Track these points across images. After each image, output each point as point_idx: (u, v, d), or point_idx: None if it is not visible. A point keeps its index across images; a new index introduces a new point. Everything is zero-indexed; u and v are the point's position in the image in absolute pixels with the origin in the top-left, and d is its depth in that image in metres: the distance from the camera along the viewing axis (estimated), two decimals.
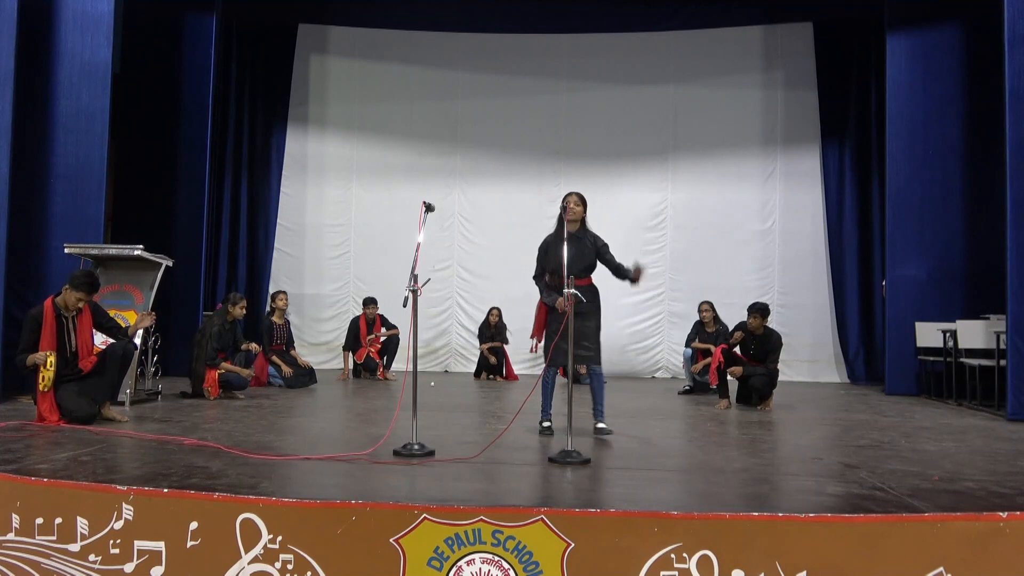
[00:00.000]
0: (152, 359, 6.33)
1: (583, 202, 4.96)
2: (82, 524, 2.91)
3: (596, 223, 10.35)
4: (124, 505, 2.90)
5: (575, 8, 10.08)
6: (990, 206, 7.53)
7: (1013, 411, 6.02)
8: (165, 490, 2.96)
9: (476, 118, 10.58)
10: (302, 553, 2.76)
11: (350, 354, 9.03)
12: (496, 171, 10.55)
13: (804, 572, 2.66)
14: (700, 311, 8.27)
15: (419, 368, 4.50)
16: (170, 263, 6.33)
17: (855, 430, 5.35)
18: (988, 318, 7.37)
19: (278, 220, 10.51)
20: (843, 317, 9.87)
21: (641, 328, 10.24)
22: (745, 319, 6.77)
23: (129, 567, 2.85)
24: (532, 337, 5.09)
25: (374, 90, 10.66)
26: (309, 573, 2.75)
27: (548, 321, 4.89)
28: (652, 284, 10.25)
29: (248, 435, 4.55)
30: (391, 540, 2.74)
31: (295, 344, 8.61)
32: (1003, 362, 6.39)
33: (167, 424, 4.96)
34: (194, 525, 2.84)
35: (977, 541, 2.73)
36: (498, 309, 9.56)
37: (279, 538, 2.78)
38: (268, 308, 8.65)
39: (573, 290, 4.08)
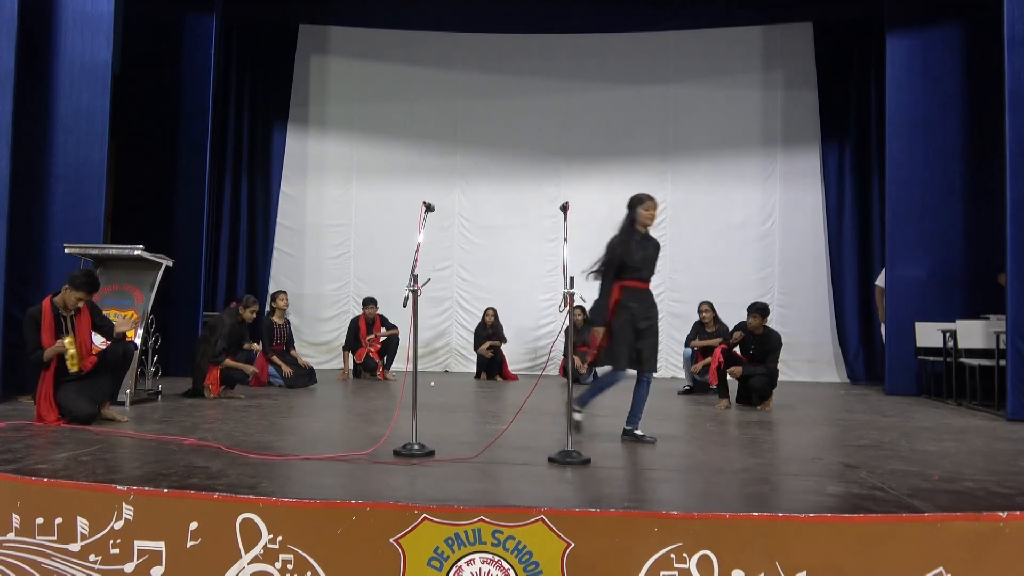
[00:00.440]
0: (152, 359, 6.33)
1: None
2: (82, 524, 2.91)
3: (596, 224, 10.36)
4: (124, 505, 2.90)
5: (575, 8, 10.08)
6: (990, 206, 7.53)
7: (1013, 411, 6.02)
8: (165, 490, 2.96)
9: (476, 118, 10.58)
10: (302, 553, 2.76)
11: (350, 354, 9.04)
12: (496, 171, 10.56)
13: (804, 572, 2.66)
14: (700, 311, 8.27)
15: (419, 368, 4.49)
16: (170, 263, 6.32)
17: (855, 430, 5.35)
18: (988, 318, 7.37)
19: (278, 220, 10.51)
20: (843, 317, 9.87)
21: None
22: (745, 319, 6.77)
23: (129, 567, 2.85)
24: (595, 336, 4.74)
25: (374, 90, 10.66)
26: (309, 573, 2.75)
27: (617, 320, 4.64)
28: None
29: (248, 435, 4.55)
30: (391, 540, 2.74)
31: (295, 344, 8.61)
32: (1003, 362, 6.38)
33: (167, 424, 4.96)
34: (194, 525, 2.84)
35: (977, 541, 2.72)
36: (493, 309, 9.57)
37: (279, 538, 2.78)
38: (268, 308, 8.65)
39: (574, 290, 4.07)
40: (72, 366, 4.86)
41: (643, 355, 4.62)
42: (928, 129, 8.14)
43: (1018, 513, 2.77)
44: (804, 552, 2.68)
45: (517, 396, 7.29)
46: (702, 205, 10.29)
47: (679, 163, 10.40)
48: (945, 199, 8.09)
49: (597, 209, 10.05)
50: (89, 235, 6.53)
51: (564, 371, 8.23)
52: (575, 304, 4.61)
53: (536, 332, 10.26)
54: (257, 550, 2.78)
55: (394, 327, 9.10)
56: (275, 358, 7.98)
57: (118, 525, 2.88)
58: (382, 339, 9.06)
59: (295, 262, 10.54)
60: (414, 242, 4.22)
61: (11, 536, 2.99)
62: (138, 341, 5.90)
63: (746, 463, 4.02)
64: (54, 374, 4.88)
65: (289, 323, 8.63)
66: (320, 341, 10.39)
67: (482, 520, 2.74)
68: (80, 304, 4.96)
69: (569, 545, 2.70)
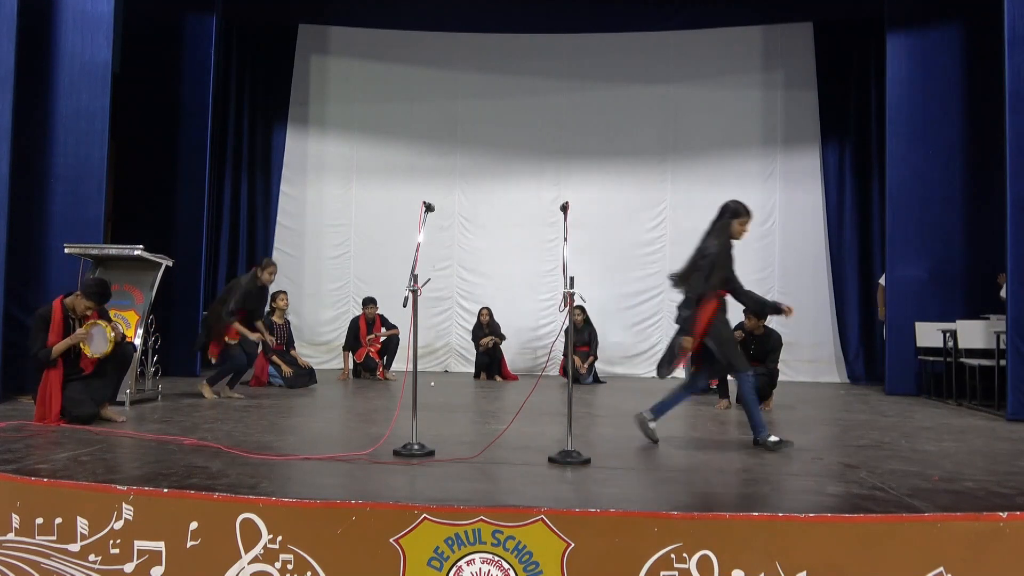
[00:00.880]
0: (152, 359, 6.33)
1: None
2: (82, 524, 2.91)
3: (597, 223, 10.35)
4: (124, 505, 2.90)
5: (575, 8, 10.08)
6: (990, 206, 7.53)
7: (1013, 411, 6.02)
8: (165, 490, 2.96)
9: (476, 118, 10.58)
10: (302, 553, 2.76)
11: (350, 354, 9.04)
12: (496, 171, 10.56)
13: (804, 572, 2.66)
14: None
15: (419, 368, 4.50)
16: (170, 263, 6.32)
17: (855, 430, 5.35)
18: (988, 318, 7.37)
19: (278, 220, 10.52)
20: (843, 317, 9.87)
21: (641, 328, 10.25)
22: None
23: (129, 567, 2.85)
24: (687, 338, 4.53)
25: (374, 90, 10.66)
26: (309, 573, 2.75)
27: (719, 325, 4.52)
28: (652, 284, 10.28)
29: (248, 435, 4.55)
30: (391, 540, 2.74)
31: (295, 344, 8.61)
32: (1003, 362, 6.38)
33: (167, 424, 4.96)
34: (194, 525, 2.84)
35: (977, 541, 2.72)
36: (488, 309, 9.57)
37: (279, 538, 2.78)
38: (268, 308, 8.64)
39: (574, 290, 4.07)
40: (93, 354, 4.88)
41: (718, 362, 4.58)
42: (928, 129, 8.15)
43: (1018, 513, 2.77)
44: (804, 552, 2.68)
45: (517, 396, 7.29)
46: (702, 205, 10.18)
47: (679, 163, 10.41)
48: (945, 199, 8.09)
49: (597, 209, 10.13)
50: (89, 235, 6.53)
51: (564, 371, 8.23)
52: (575, 304, 4.60)
53: (536, 332, 10.26)
54: (257, 550, 2.78)
55: (394, 327, 9.10)
56: (275, 358, 7.98)
57: (118, 525, 2.88)
58: (382, 339, 9.06)
59: (295, 262, 10.53)
60: (414, 242, 4.22)
61: (11, 536, 2.99)
62: (138, 341, 5.90)
63: (746, 463, 4.02)
64: (61, 373, 4.87)
65: (289, 323, 8.63)
66: (320, 341, 10.39)
67: (482, 520, 2.74)
68: (89, 312, 4.98)
69: (569, 545, 2.70)
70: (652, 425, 4.62)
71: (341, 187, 10.63)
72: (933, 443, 4.78)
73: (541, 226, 10.21)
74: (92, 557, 2.88)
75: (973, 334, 7.23)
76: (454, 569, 2.72)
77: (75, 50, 6.72)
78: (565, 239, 4.17)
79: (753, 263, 10.08)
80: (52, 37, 6.64)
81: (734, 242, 4.67)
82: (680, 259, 10.67)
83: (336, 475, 3.50)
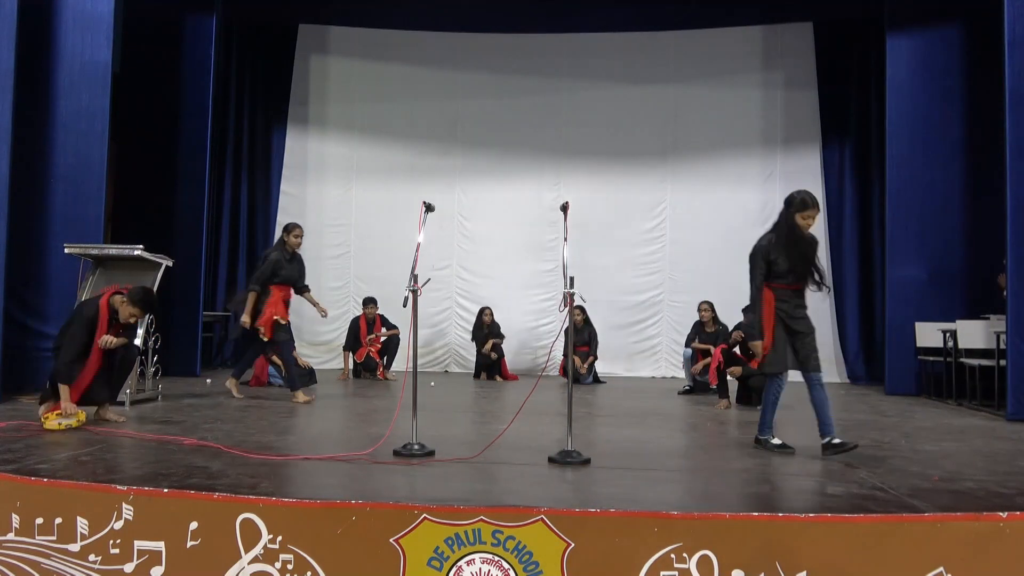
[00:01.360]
0: (152, 359, 6.33)
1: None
2: (82, 524, 2.91)
3: (596, 223, 10.34)
4: (124, 505, 2.90)
5: (575, 8, 10.08)
6: (990, 206, 7.52)
7: (1013, 411, 6.02)
8: (165, 490, 2.96)
9: (476, 118, 10.58)
10: (302, 553, 2.76)
11: (350, 354, 9.04)
12: (496, 171, 10.55)
13: (804, 572, 2.66)
14: (700, 311, 8.27)
15: (419, 368, 4.50)
16: (170, 263, 6.32)
17: (855, 430, 5.34)
18: (988, 318, 7.37)
19: (278, 220, 10.50)
20: (843, 317, 9.86)
21: (641, 328, 10.25)
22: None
23: (129, 567, 2.85)
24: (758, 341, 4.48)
25: (374, 90, 10.66)
26: (309, 573, 2.75)
27: (779, 324, 4.39)
28: (652, 284, 10.28)
29: (248, 435, 4.55)
30: (391, 540, 2.74)
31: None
32: (1003, 362, 6.38)
33: (167, 424, 4.96)
34: (194, 525, 2.84)
35: (977, 541, 2.73)
36: (490, 308, 9.56)
37: (279, 538, 2.78)
38: None
39: (574, 290, 4.07)
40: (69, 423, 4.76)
41: (800, 354, 4.34)
42: (928, 129, 8.15)
43: (1018, 513, 2.77)
44: (804, 552, 2.68)
45: (517, 396, 7.29)
46: (702, 205, 10.28)
47: (679, 163, 10.40)
48: (945, 199, 8.09)
49: (597, 209, 10.12)
50: (89, 235, 6.53)
51: (564, 371, 8.23)
52: (575, 304, 4.60)
53: (536, 332, 10.26)
54: (257, 550, 2.78)
55: (394, 327, 9.10)
56: (275, 358, 7.96)
57: (118, 525, 2.88)
58: (382, 339, 9.06)
59: None
60: (414, 242, 4.22)
61: (11, 536, 2.99)
62: (138, 342, 5.90)
63: (746, 463, 4.02)
64: (99, 363, 4.86)
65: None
66: (320, 341, 10.39)
67: (482, 520, 2.74)
68: (132, 320, 4.98)
69: (569, 545, 2.70)
70: (776, 440, 4.40)
71: (341, 187, 10.63)
72: (933, 443, 4.78)
73: (541, 226, 10.21)
74: (92, 557, 2.88)
75: (973, 334, 7.23)
76: (454, 569, 2.72)
77: (75, 50, 6.72)
78: (565, 239, 4.17)
79: None
80: (52, 37, 6.64)
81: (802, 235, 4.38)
82: (680, 258, 10.65)
83: (336, 475, 3.50)
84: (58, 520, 2.94)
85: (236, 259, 10.36)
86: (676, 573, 2.67)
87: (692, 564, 2.67)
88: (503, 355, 9.43)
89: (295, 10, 10.48)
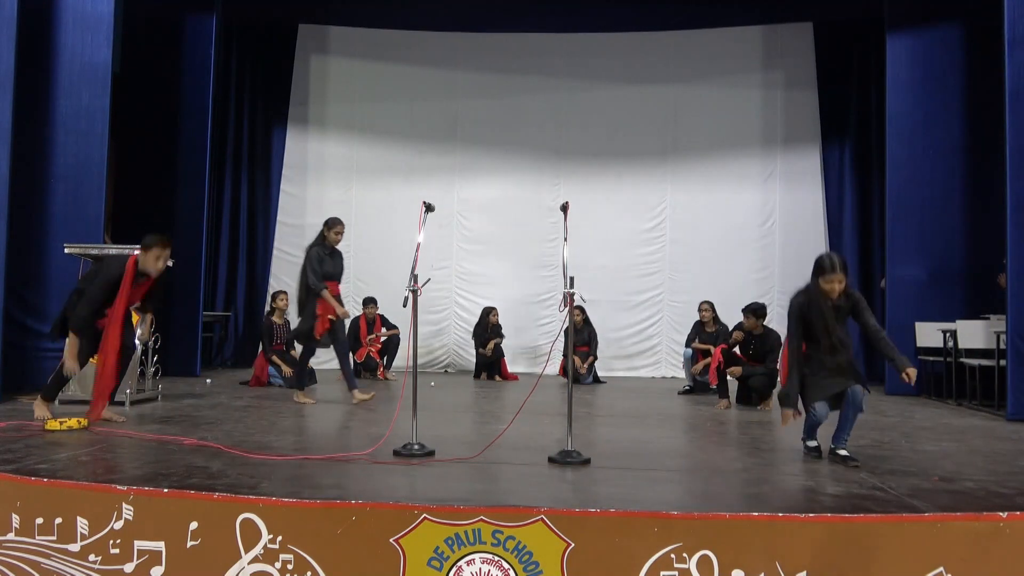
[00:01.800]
0: (152, 359, 6.33)
1: (846, 272, 4.11)
2: (82, 524, 2.91)
3: (596, 223, 10.33)
4: (124, 505, 2.90)
5: (575, 8, 10.08)
6: (990, 206, 7.53)
7: (1013, 411, 6.02)
8: (165, 490, 2.96)
9: (476, 118, 10.58)
10: (302, 553, 2.76)
11: (350, 354, 9.02)
12: (496, 171, 10.55)
13: (804, 572, 2.66)
14: (700, 311, 8.27)
15: (419, 368, 4.49)
16: (170, 263, 6.30)
17: (855, 430, 5.32)
18: (988, 318, 7.36)
19: (278, 220, 10.51)
20: None
21: (641, 328, 10.25)
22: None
23: (129, 567, 2.85)
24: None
25: (374, 90, 10.66)
26: (309, 573, 2.75)
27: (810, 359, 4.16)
28: (652, 284, 10.28)
29: (248, 435, 4.55)
30: (391, 540, 2.74)
31: (295, 344, 8.60)
32: (1003, 362, 6.38)
33: (167, 424, 4.96)
34: (194, 525, 2.84)
35: (977, 541, 2.73)
36: (496, 309, 9.55)
37: (279, 538, 2.78)
38: (268, 308, 8.65)
39: (574, 290, 4.06)
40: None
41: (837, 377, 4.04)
42: (928, 129, 8.14)
43: (1018, 513, 2.77)
44: (804, 552, 2.68)
45: (517, 396, 7.29)
46: (702, 205, 10.29)
47: (679, 163, 10.41)
48: (945, 199, 8.08)
49: (597, 209, 10.13)
50: (89, 235, 6.53)
51: (564, 371, 8.23)
52: (575, 304, 4.60)
53: (536, 332, 10.26)
54: (257, 550, 2.78)
55: (394, 327, 9.10)
56: (275, 358, 7.98)
57: (118, 525, 2.88)
58: (382, 339, 9.06)
59: (295, 262, 10.51)
60: (414, 242, 4.22)
61: (11, 536, 2.99)
62: (138, 342, 5.90)
63: (746, 463, 4.02)
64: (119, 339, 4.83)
65: (289, 323, 8.61)
66: (320, 341, 10.37)
67: (482, 520, 2.74)
68: (161, 264, 4.86)
69: (569, 545, 2.70)
70: (844, 452, 4.06)
71: (341, 187, 10.62)
72: (933, 443, 4.77)
73: (541, 226, 10.21)
74: (92, 557, 2.88)
75: (973, 334, 7.23)
76: (454, 569, 2.72)
77: (75, 50, 6.72)
78: (565, 239, 4.17)
79: (753, 263, 10.09)
80: (52, 37, 6.64)
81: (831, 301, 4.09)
82: (680, 259, 10.65)
83: (336, 475, 3.50)
84: (58, 520, 2.94)
85: (236, 259, 10.35)
86: (676, 573, 2.67)
87: (692, 564, 2.67)
88: (503, 355, 9.43)
89: (295, 10, 10.49)
